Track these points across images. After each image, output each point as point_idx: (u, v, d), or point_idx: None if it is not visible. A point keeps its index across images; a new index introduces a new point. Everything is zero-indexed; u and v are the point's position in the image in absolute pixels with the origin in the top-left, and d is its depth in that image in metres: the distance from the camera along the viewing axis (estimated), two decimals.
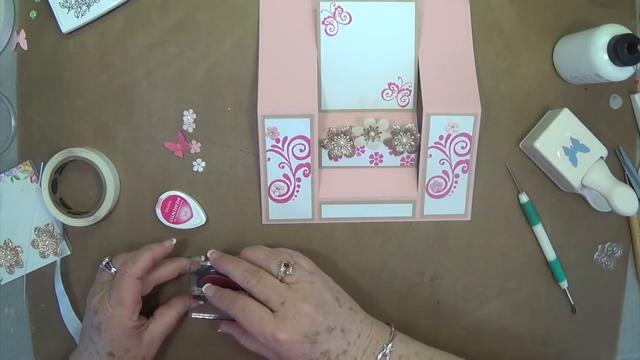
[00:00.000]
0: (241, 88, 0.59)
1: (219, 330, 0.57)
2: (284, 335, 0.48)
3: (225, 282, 0.55)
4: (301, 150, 0.56)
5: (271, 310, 0.49)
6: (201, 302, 0.57)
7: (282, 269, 0.51)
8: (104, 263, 0.55)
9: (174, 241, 0.55)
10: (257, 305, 0.49)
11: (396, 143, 0.58)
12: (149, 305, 0.57)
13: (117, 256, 0.55)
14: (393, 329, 0.53)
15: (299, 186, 0.58)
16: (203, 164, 0.59)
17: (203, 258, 0.58)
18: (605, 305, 0.64)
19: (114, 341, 0.51)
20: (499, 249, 0.62)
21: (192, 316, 0.57)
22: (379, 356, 0.50)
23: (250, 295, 0.51)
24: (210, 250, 0.56)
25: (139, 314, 0.53)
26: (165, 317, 0.55)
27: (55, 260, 0.59)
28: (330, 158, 0.59)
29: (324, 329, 0.49)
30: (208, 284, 0.54)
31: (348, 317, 0.51)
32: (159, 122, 0.59)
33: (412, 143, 0.58)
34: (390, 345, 0.51)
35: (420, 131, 0.57)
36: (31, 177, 0.59)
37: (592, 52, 0.54)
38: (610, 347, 0.64)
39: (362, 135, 0.58)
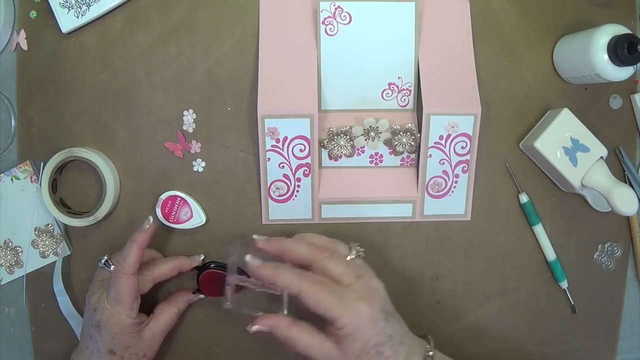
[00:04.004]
0: (241, 88, 0.59)
1: (255, 328, 0.47)
2: (366, 306, 0.45)
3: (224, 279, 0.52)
4: (301, 150, 0.56)
5: (344, 284, 0.46)
6: (201, 296, 0.57)
7: (354, 251, 0.49)
8: (102, 261, 0.55)
9: (151, 219, 0.53)
10: (329, 279, 0.46)
11: (396, 143, 0.58)
12: (150, 303, 0.57)
13: (116, 254, 0.55)
14: (431, 343, 0.50)
15: (299, 186, 0.58)
16: (203, 164, 0.59)
17: (202, 257, 0.58)
18: (605, 305, 0.64)
19: (114, 339, 0.51)
20: (499, 249, 0.62)
21: (227, 306, 0.50)
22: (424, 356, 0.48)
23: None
24: (255, 235, 0.51)
25: (139, 312, 0.53)
26: (165, 314, 0.55)
27: (55, 261, 0.59)
28: (330, 158, 0.59)
29: (392, 310, 0.48)
30: (250, 254, 0.48)
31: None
32: (159, 122, 0.59)
33: (412, 143, 0.58)
34: (432, 352, 0.49)
35: (420, 131, 0.57)
36: (31, 177, 0.59)
37: (592, 52, 0.54)
38: (610, 347, 0.64)
39: (362, 135, 0.58)
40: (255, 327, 0.47)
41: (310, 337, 0.46)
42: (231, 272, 0.51)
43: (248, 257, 0.48)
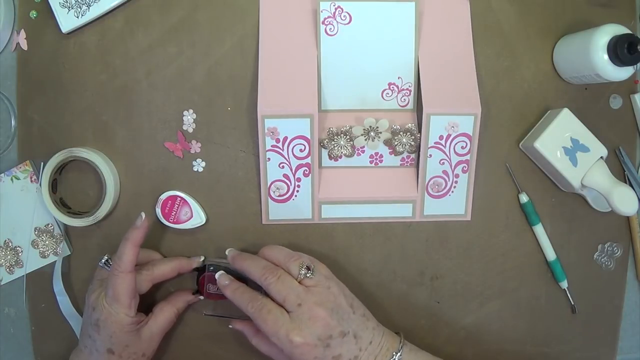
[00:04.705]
0: (241, 88, 0.59)
1: (230, 326, 0.56)
2: (298, 337, 0.48)
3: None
4: (301, 150, 0.56)
5: (286, 310, 0.49)
6: (201, 297, 0.57)
7: (303, 271, 0.51)
8: (103, 260, 0.55)
9: (144, 216, 0.53)
10: (274, 306, 0.50)
11: (396, 143, 0.58)
12: (149, 302, 0.57)
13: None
14: (402, 338, 0.54)
15: (299, 186, 0.58)
16: (203, 164, 0.59)
17: (202, 258, 0.58)
18: (605, 305, 0.64)
19: (113, 338, 0.51)
20: (499, 249, 0.62)
21: (205, 314, 0.58)
22: None
23: (266, 294, 0.51)
24: (229, 249, 0.56)
25: (138, 311, 0.53)
26: (164, 313, 0.55)
27: (55, 261, 0.59)
28: (330, 158, 0.59)
29: (337, 334, 0.49)
30: (222, 271, 0.54)
31: (361, 324, 0.51)
32: (159, 122, 0.59)
33: (412, 143, 0.58)
34: (399, 353, 0.52)
35: (420, 131, 0.57)
36: (31, 177, 0.59)
37: (592, 52, 0.54)
38: (610, 347, 0.64)
39: (362, 135, 0.58)
40: (230, 326, 0.56)
41: (267, 347, 0.53)
42: (213, 283, 0.56)
43: (217, 275, 0.54)
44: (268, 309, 0.49)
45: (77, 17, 0.56)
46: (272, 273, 0.51)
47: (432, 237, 0.61)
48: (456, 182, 0.59)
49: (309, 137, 0.56)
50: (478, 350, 0.63)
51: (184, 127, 0.59)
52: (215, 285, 0.55)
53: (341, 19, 0.57)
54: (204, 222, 0.59)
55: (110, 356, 0.51)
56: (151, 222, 0.59)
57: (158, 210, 0.58)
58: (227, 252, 0.56)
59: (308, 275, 0.51)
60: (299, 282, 0.51)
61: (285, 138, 0.56)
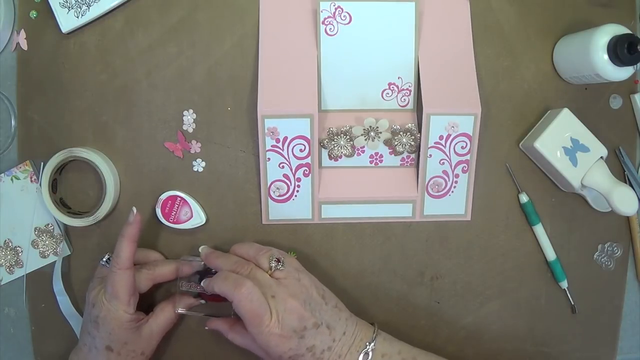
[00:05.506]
0: (241, 88, 0.59)
1: (206, 328, 0.56)
2: (276, 329, 0.48)
3: None
4: (301, 150, 0.56)
5: None
6: (202, 301, 0.57)
7: (273, 264, 0.52)
8: (104, 259, 0.55)
9: (135, 210, 0.53)
10: (260, 294, 0.49)
11: (396, 143, 0.58)
12: (149, 302, 0.57)
13: None
14: (376, 328, 0.54)
15: (299, 186, 0.58)
16: (203, 164, 0.59)
17: (202, 262, 0.58)
18: (605, 305, 0.64)
19: (112, 335, 0.51)
20: (499, 249, 0.62)
21: (178, 311, 0.57)
22: (362, 354, 0.51)
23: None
24: (202, 247, 0.57)
25: (139, 311, 0.53)
26: (165, 313, 0.55)
27: (55, 261, 0.59)
28: (330, 158, 0.59)
29: (311, 325, 0.50)
30: (204, 279, 0.54)
31: (333, 315, 0.52)
32: (159, 122, 0.59)
33: (412, 143, 0.58)
34: (373, 343, 0.52)
35: (420, 131, 0.57)
36: (31, 177, 0.59)
37: (592, 52, 0.54)
38: (610, 347, 0.64)
39: (362, 135, 0.58)
40: (206, 327, 0.56)
41: (243, 339, 0.53)
42: (187, 281, 0.56)
43: (202, 283, 0.53)
44: (256, 295, 0.49)
45: (77, 17, 0.56)
46: (242, 267, 0.51)
47: (432, 237, 0.61)
48: (456, 182, 0.59)
49: (309, 137, 0.56)
50: (478, 350, 0.63)
51: (184, 127, 0.59)
52: (189, 283, 0.56)
53: (341, 19, 0.57)
54: (204, 222, 0.59)
55: (109, 353, 0.52)
56: (148, 221, 0.59)
57: (158, 210, 0.58)
58: (200, 250, 0.56)
59: (278, 267, 0.52)
60: (270, 275, 0.51)
61: (285, 138, 0.56)
